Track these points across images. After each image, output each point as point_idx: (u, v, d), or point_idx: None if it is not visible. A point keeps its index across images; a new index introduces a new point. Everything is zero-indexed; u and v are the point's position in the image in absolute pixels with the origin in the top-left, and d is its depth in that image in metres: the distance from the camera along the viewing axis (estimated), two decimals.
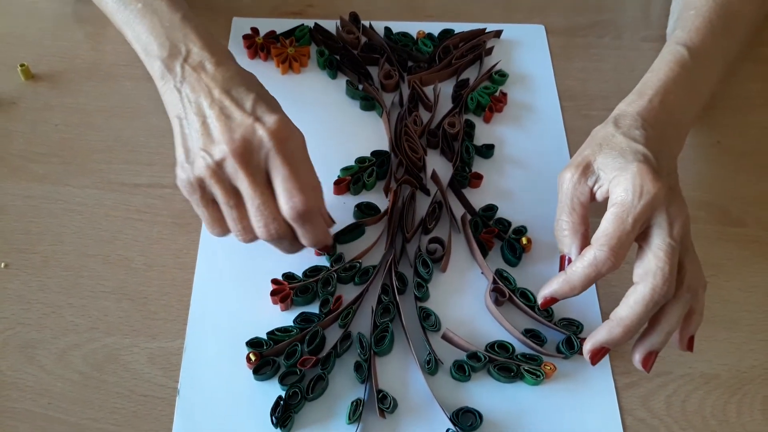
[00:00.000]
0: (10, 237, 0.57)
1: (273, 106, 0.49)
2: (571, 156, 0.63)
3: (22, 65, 0.66)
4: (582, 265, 0.45)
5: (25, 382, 0.50)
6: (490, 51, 0.70)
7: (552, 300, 0.48)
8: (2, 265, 0.55)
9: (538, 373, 0.51)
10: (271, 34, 0.69)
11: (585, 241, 0.48)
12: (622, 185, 0.45)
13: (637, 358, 0.48)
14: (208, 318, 0.53)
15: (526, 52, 0.71)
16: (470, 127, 0.64)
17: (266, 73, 0.67)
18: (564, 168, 0.49)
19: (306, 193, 0.46)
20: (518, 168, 0.63)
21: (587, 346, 0.47)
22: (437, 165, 0.62)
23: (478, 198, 0.61)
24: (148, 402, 0.50)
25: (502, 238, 0.58)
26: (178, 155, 0.49)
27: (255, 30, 0.69)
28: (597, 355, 0.47)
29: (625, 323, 0.45)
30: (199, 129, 0.47)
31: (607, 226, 0.45)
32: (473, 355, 0.51)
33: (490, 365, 0.51)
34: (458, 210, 0.60)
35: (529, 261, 0.57)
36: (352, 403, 0.49)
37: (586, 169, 0.48)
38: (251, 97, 0.48)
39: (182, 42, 0.50)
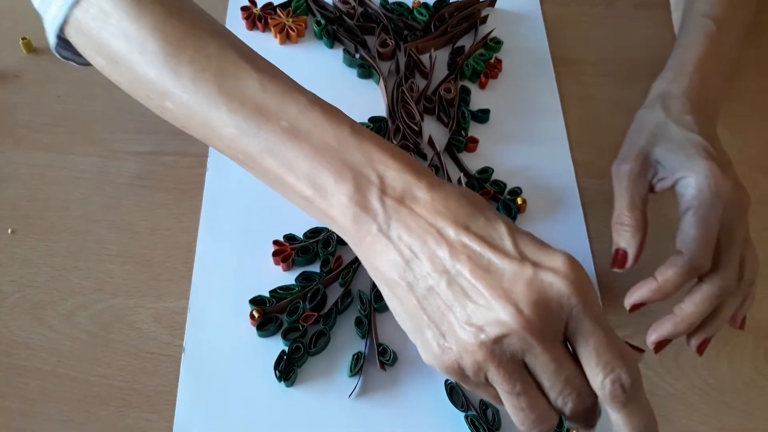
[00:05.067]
0: (17, 204, 0.58)
1: (530, 235, 0.36)
2: (565, 120, 0.65)
3: (23, 39, 0.67)
4: (676, 273, 0.44)
5: (34, 341, 0.52)
6: (484, 19, 0.71)
7: (641, 305, 0.47)
8: (9, 231, 0.56)
9: None
10: (269, 6, 0.70)
11: (644, 238, 0.48)
12: (694, 185, 0.45)
13: (694, 344, 0.48)
14: (212, 278, 0.54)
15: (520, 19, 0.72)
16: (466, 92, 0.65)
17: (264, 43, 0.69)
18: (620, 159, 0.49)
19: (628, 362, 0.34)
20: (513, 132, 0.64)
21: (652, 338, 0.47)
22: (434, 130, 0.63)
23: (474, 161, 0.62)
24: (154, 359, 0.51)
25: (497, 199, 0.59)
26: (414, 335, 0.36)
27: (253, 1, 0.70)
28: (661, 346, 0.47)
29: (690, 320, 0.46)
30: (446, 294, 0.34)
31: (695, 232, 0.44)
32: None
33: None
34: (455, 173, 0.61)
35: (524, 221, 0.59)
36: (354, 356, 0.51)
37: (645, 163, 0.47)
38: (503, 229, 0.35)
39: (367, 166, 0.36)
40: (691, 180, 0.45)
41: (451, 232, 0.34)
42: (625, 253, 0.48)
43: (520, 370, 0.34)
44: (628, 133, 0.51)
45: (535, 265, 0.33)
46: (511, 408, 0.35)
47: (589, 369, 0.34)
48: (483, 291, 0.33)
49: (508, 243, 0.34)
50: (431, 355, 0.35)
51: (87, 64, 0.49)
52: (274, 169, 0.38)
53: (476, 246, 0.34)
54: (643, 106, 0.52)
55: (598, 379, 0.34)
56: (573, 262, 0.34)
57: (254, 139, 0.38)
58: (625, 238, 0.48)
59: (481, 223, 0.35)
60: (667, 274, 0.45)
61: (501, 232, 0.34)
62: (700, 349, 0.48)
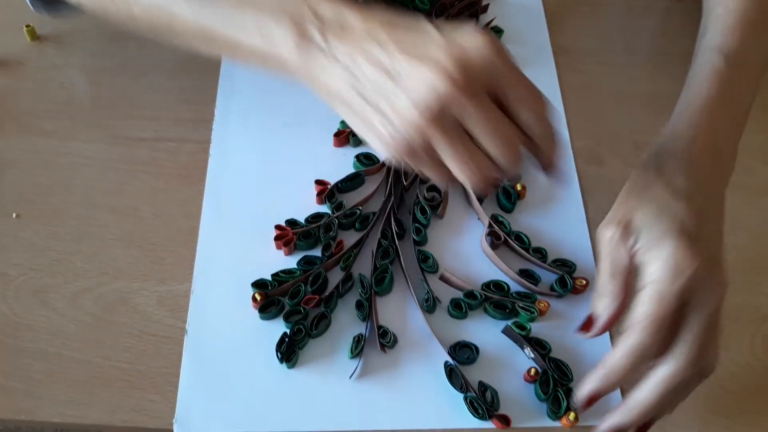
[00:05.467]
0: (21, 189, 0.58)
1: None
2: (564, 108, 0.65)
3: (27, 26, 0.67)
4: (623, 353, 0.42)
5: (39, 323, 0.52)
6: (485, 8, 0.72)
7: (596, 398, 0.44)
8: (14, 215, 0.57)
9: (533, 309, 0.53)
10: None
11: (622, 310, 0.45)
12: (658, 261, 0.42)
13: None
14: (215, 262, 0.55)
15: (520, 9, 0.72)
16: None
17: None
18: (605, 221, 0.46)
19: (545, 98, 0.40)
20: None
21: (602, 428, 0.45)
22: None
23: None
24: (157, 341, 0.52)
25: (497, 186, 0.60)
26: (367, 133, 0.40)
27: None
28: None
29: (640, 410, 0.43)
30: (384, 81, 0.38)
31: (647, 308, 0.42)
32: (470, 294, 0.53)
33: (486, 303, 0.53)
34: None
35: (523, 207, 0.59)
36: (354, 338, 0.51)
37: (627, 228, 0.44)
38: (422, 20, 0.39)
39: (302, 7, 0.40)
40: (656, 254, 0.42)
41: (379, 29, 0.38)
42: (594, 321, 0.45)
43: (461, 131, 0.38)
44: (622, 190, 0.48)
45: (452, 39, 0.37)
46: (458, 166, 0.39)
47: (519, 110, 0.39)
48: (414, 66, 0.37)
49: (429, 27, 0.38)
50: (384, 143, 0.39)
51: (58, 13, 0.54)
52: (230, 37, 0.43)
53: (402, 35, 0.38)
54: (643, 158, 0.48)
55: (526, 115, 0.39)
56: (488, 32, 0.38)
57: (210, 16, 0.43)
58: (600, 306, 0.45)
59: (404, 19, 0.39)
60: (614, 358, 0.43)
61: (423, 22, 0.38)
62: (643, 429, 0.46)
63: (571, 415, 0.49)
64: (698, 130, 0.47)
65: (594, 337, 0.46)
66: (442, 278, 0.55)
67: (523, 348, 0.52)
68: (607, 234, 0.45)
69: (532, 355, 0.51)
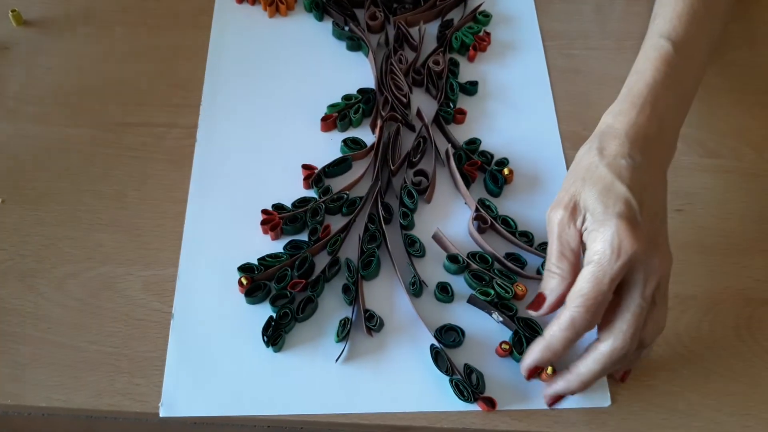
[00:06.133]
0: (7, 174, 0.58)
1: None
2: (552, 92, 0.65)
3: (13, 11, 0.67)
4: (560, 328, 0.45)
5: (25, 308, 0.52)
6: None
7: (536, 369, 0.48)
8: (0, 200, 0.57)
9: (509, 290, 0.52)
10: None
11: (569, 289, 0.46)
12: (599, 241, 0.44)
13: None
14: (201, 247, 0.55)
15: None
16: (454, 65, 0.66)
17: (254, 16, 0.69)
18: (553, 205, 0.47)
19: None
20: (501, 104, 0.64)
21: (548, 392, 0.49)
22: (422, 102, 0.64)
23: (462, 133, 0.62)
24: (143, 326, 0.52)
25: (484, 170, 0.60)
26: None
27: None
28: (555, 401, 0.49)
29: (582, 379, 0.47)
30: None
31: (584, 286, 0.44)
32: (453, 258, 0.54)
33: (466, 271, 0.54)
34: (442, 144, 0.61)
35: (510, 191, 0.59)
36: (341, 322, 0.51)
37: (574, 210, 0.46)
38: None
39: None
40: (599, 234, 0.44)
41: None
42: (544, 299, 0.48)
43: None
44: (568, 172, 0.49)
45: None
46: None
47: None
48: None
49: None
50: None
51: None
52: None
53: None
54: (588, 140, 0.49)
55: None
56: None
57: None
58: (549, 285, 0.47)
59: None
60: (552, 330, 0.46)
61: None
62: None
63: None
64: (642, 111, 0.48)
65: (545, 315, 0.48)
66: (435, 237, 0.55)
67: (491, 313, 0.52)
68: (556, 217, 0.47)
69: (501, 319, 0.52)
